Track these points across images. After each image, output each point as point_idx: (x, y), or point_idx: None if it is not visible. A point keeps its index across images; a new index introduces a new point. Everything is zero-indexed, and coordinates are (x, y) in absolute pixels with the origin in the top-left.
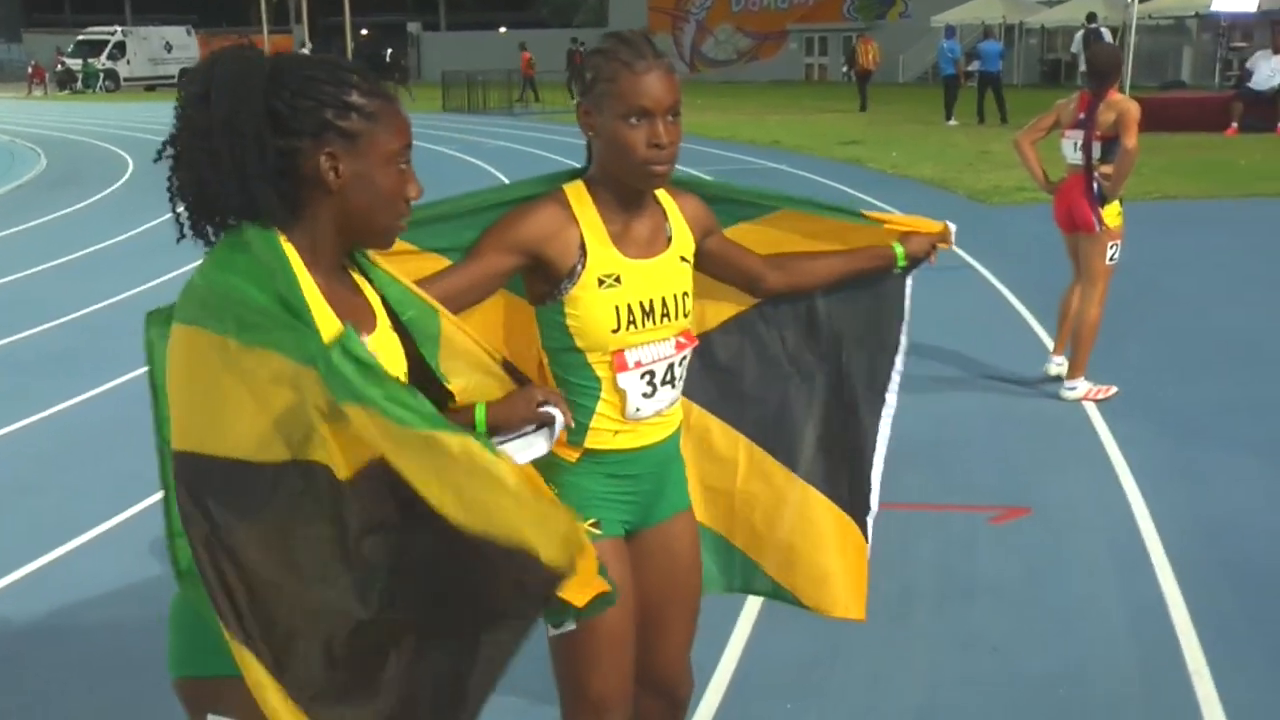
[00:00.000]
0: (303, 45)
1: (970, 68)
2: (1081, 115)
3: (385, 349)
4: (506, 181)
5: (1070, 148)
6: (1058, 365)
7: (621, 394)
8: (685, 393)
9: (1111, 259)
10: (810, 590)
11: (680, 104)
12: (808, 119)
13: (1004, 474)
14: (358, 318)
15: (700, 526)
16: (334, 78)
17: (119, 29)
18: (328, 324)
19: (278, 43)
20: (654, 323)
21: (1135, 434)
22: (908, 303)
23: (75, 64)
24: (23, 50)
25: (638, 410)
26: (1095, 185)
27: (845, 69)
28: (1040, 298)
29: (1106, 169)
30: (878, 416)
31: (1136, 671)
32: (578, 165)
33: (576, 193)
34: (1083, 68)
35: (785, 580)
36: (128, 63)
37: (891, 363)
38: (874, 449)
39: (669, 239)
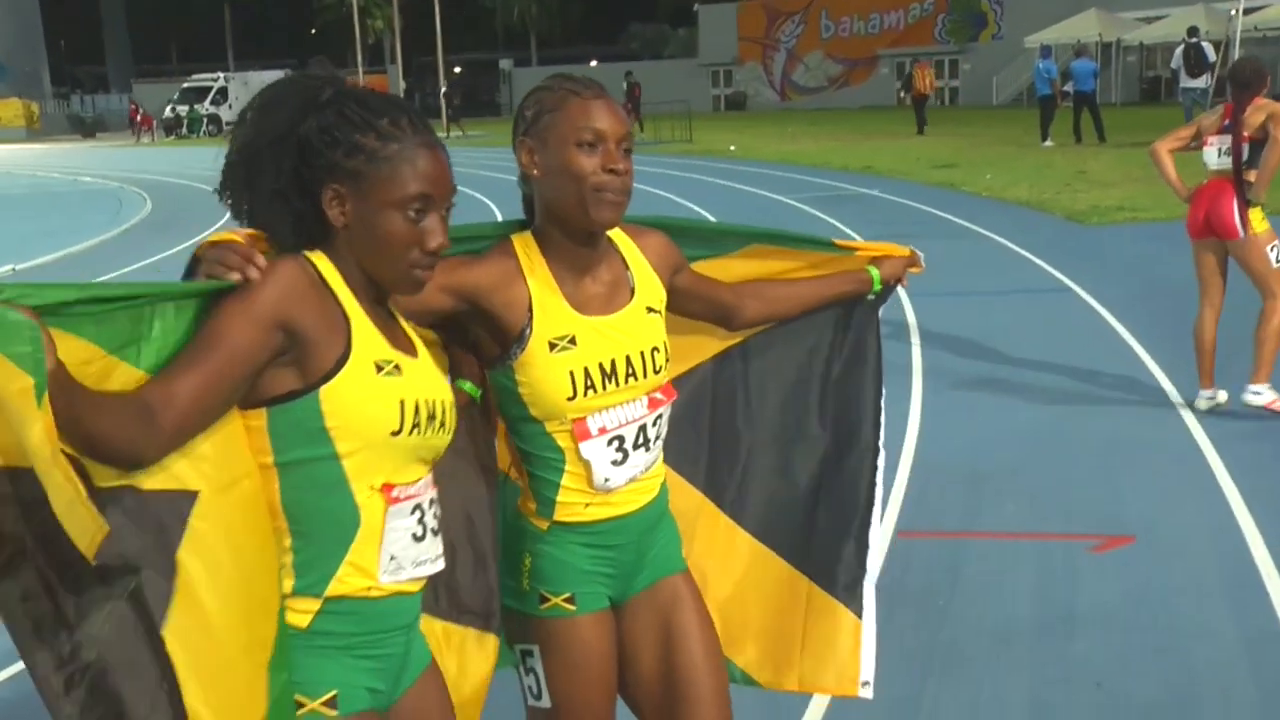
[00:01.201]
0: (400, 85)
1: (1065, 88)
2: (1227, 122)
3: (429, 377)
4: None
5: (1214, 154)
6: (1208, 399)
7: (586, 464)
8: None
9: (1277, 260)
10: (762, 663)
11: (632, 142)
12: (900, 143)
13: (1106, 501)
14: (401, 343)
15: None
16: (361, 118)
17: (221, 75)
18: (367, 333)
19: (372, 82)
20: (618, 385)
21: (1247, 458)
22: (880, 341)
23: (178, 110)
24: (131, 100)
25: (607, 481)
26: (1241, 189)
27: (901, 93)
28: (1141, 318)
29: (1250, 174)
30: (867, 468)
31: (1252, 702)
32: (669, 195)
33: (524, 244)
34: (1184, 83)
35: (737, 656)
36: (229, 107)
37: (877, 410)
38: (863, 504)
39: (632, 290)
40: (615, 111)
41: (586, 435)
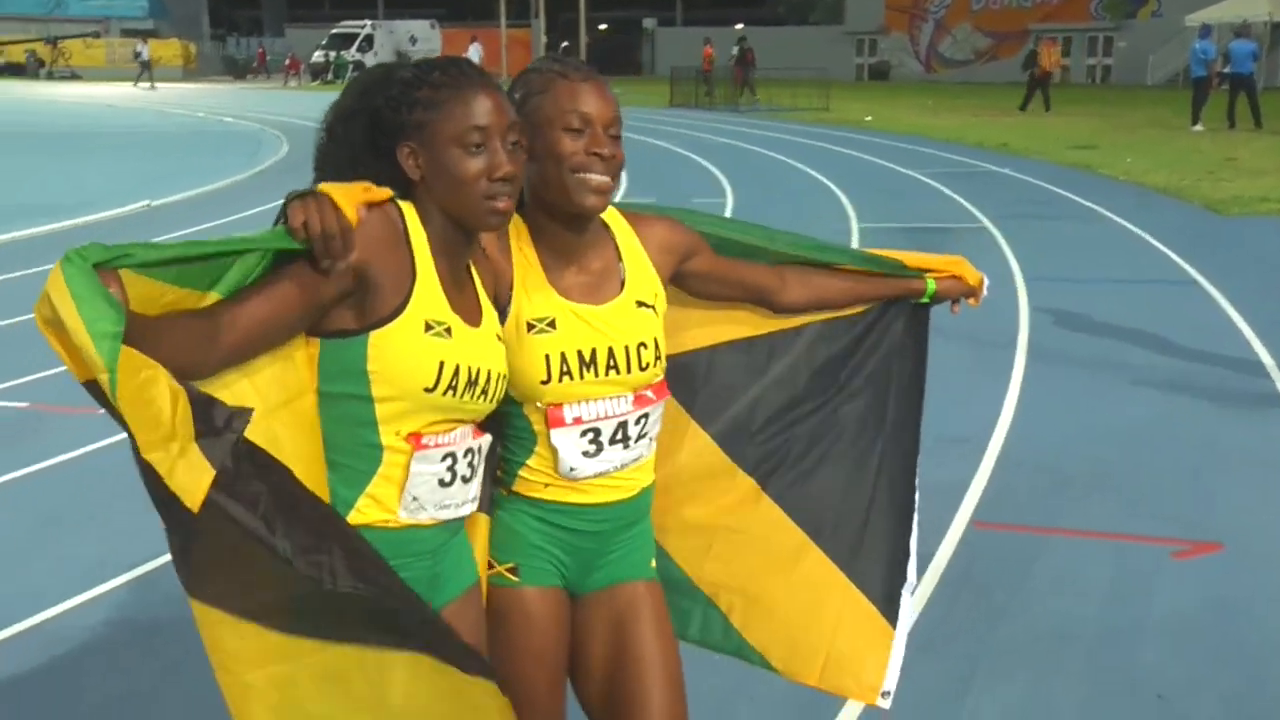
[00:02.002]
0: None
1: (1224, 69)
2: None
3: (483, 346)
4: (726, 182)
5: None
6: None
7: (554, 451)
8: (686, 407)
9: None
10: (782, 653)
11: (621, 125)
12: (1042, 121)
13: (1198, 506)
14: (466, 308)
15: (664, 554)
16: (417, 77)
17: (369, 23)
18: (429, 291)
19: (516, 37)
20: (597, 375)
21: None
22: (927, 345)
23: (325, 56)
24: (285, 45)
25: (573, 470)
26: None
27: (1024, 69)
28: (1268, 318)
29: None
30: (908, 474)
31: None
32: (799, 164)
33: (515, 227)
34: None
35: (754, 637)
36: (375, 54)
37: (918, 407)
38: (906, 511)
39: (622, 282)
40: (604, 95)
41: (560, 423)
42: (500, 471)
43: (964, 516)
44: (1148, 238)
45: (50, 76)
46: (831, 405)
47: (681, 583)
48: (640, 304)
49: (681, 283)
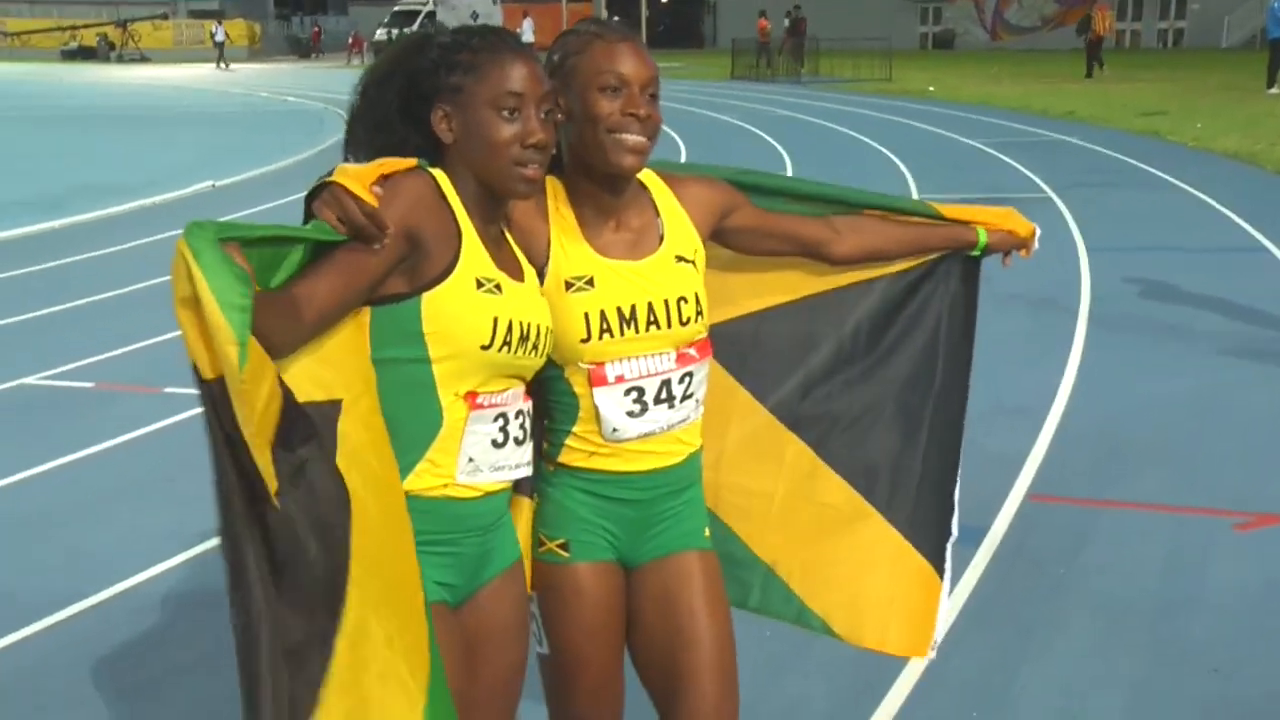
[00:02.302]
0: (598, 14)
1: None
2: None
3: (530, 301)
4: (785, 155)
5: None
6: None
7: (598, 412)
8: (736, 375)
9: None
10: (844, 616)
11: (658, 85)
12: (1109, 88)
13: (1260, 478)
14: (508, 265)
15: (721, 524)
16: (456, 42)
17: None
18: (475, 249)
19: (577, 11)
20: (637, 331)
21: None
22: (977, 299)
23: (388, 33)
24: (349, 23)
25: (615, 431)
26: None
27: (1079, 34)
28: None
29: None
30: (956, 428)
31: None
32: (859, 136)
33: (553, 186)
34: None
35: (815, 602)
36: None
37: (968, 362)
38: (953, 465)
39: (661, 237)
40: (641, 56)
41: (602, 381)
42: (546, 444)
43: (1020, 489)
44: (1215, 204)
45: (120, 59)
46: (882, 365)
47: (742, 555)
48: (680, 259)
49: (726, 239)
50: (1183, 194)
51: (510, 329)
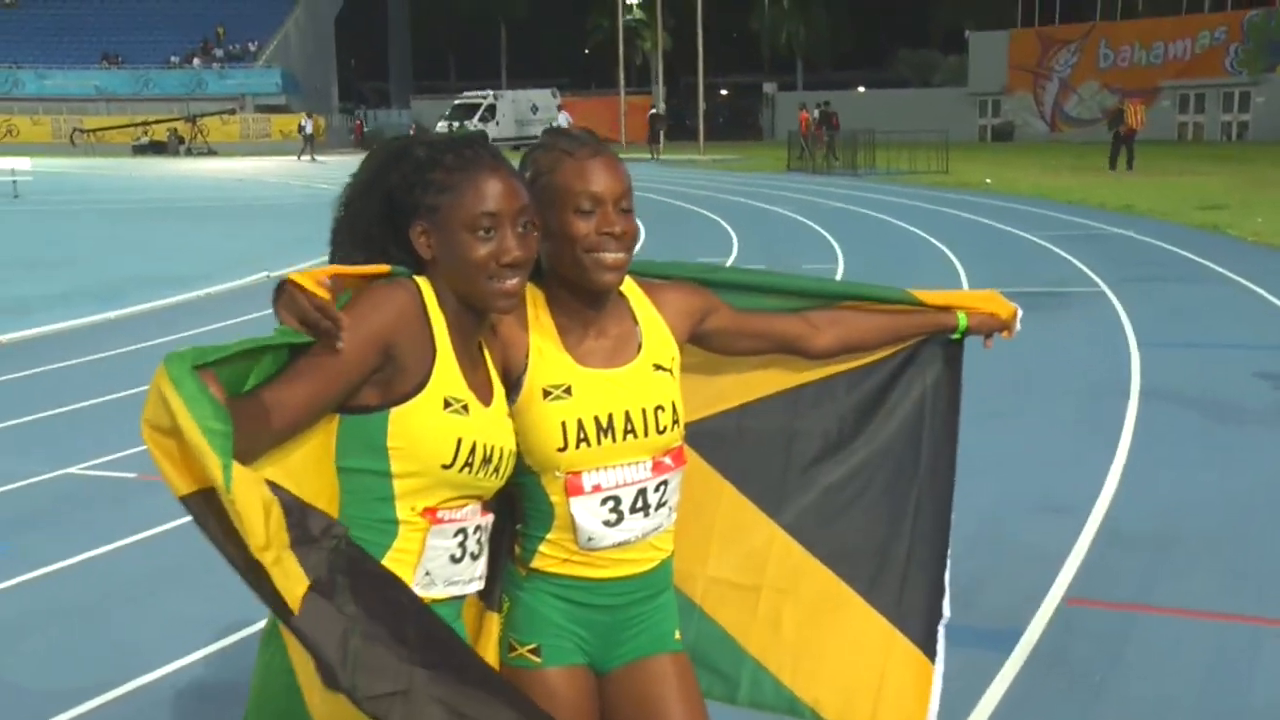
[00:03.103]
0: (655, 106)
1: None
2: None
3: (495, 424)
4: (837, 246)
5: None
6: None
7: (574, 520)
8: (721, 470)
9: None
10: (834, 704)
11: (632, 197)
12: (1169, 181)
13: None
14: (479, 385)
15: (710, 622)
16: (431, 158)
17: (491, 93)
18: (448, 368)
19: (635, 103)
20: (614, 440)
21: None
22: (961, 379)
23: (448, 126)
24: (411, 115)
25: (591, 540)
26: None
27: (1109, 128)
28: None
29: None
30: (944, 510)
31: None
32: (912, 228)
33: (532, 296)
34: None
35: (805, 692)
36: (496, 124)
37: (954, 442)
38: (942, 547)
39: (639, 346)
40: (612, 170)
41: (578, 490)
42: (518, 548)
43: (1058, 591)
44: (1273, 299)
45: (189, 153)
46: (866, 452)
47: (730, 649)
48: (657, 367)
49: (704, 342)
50: (1239, 288)
51: (474, 451)
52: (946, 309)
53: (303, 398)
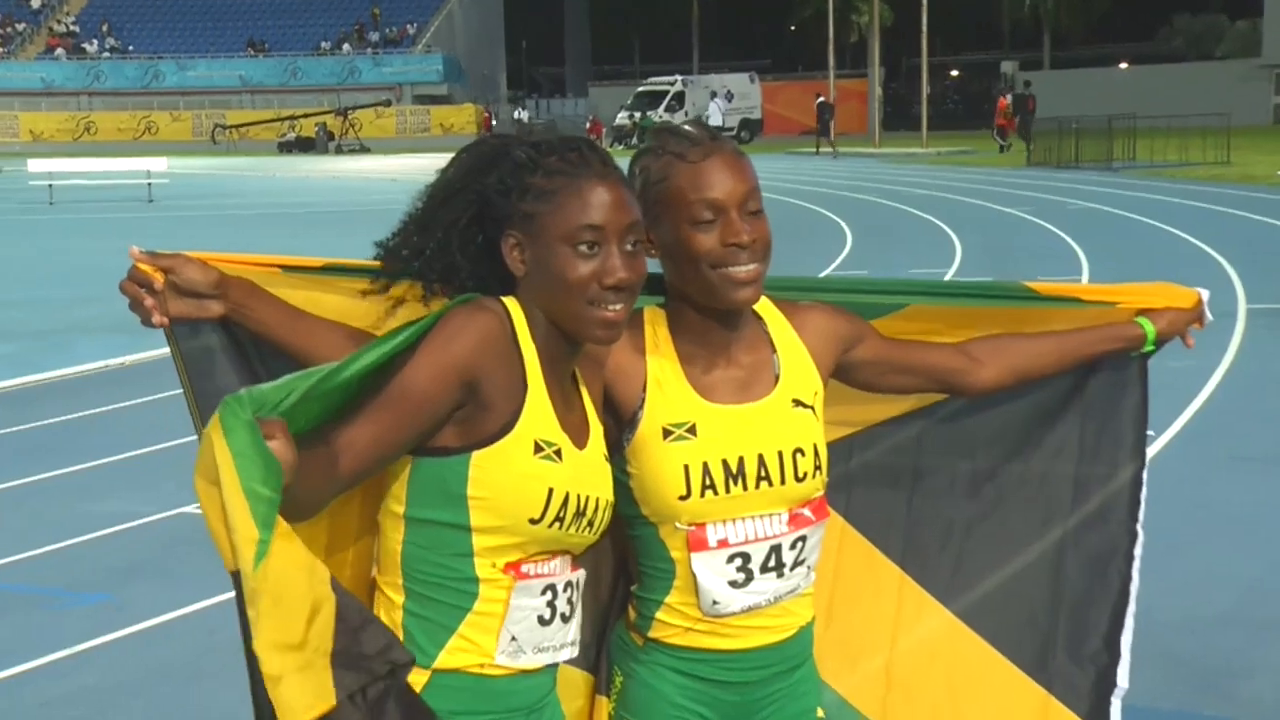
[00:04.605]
0: (822, 95)
1: None
2: None
3: (592, 470)
4: (1081, 253)
5: None
6: None
7: (696, 580)
8: (846, 516)
9: None
10: None
11: (760, 196)
12: None
13: None
14: (574, 426)
15: (833, 694)
16: (530, 159)
17: (679, 78)
18: (539, 406)
19: (847, 88)
20: (745, 488)
21: None
22: (1147, 396)
23: (630, 117)
24: (588, 105)
25: (716, 604)
26: None
27: None
28: None
29: None
30: (1124, 558)
31: None
32: (1178, 231)
33: (653, 317)
34: None
35: None
36: (685, 113)
37: (1138, 480)
38: (1121, 605)
39: (776, 377)
40: (733, 168)
41: (702, 546)
42: (633, 613)
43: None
44: None
45: (339, 150)
46: (1013, 485)
47: None
48: (797, 403)
49: (849, 374)
50: None
51: (565, 503)
52: (1114, 308)
53: (371, 438)
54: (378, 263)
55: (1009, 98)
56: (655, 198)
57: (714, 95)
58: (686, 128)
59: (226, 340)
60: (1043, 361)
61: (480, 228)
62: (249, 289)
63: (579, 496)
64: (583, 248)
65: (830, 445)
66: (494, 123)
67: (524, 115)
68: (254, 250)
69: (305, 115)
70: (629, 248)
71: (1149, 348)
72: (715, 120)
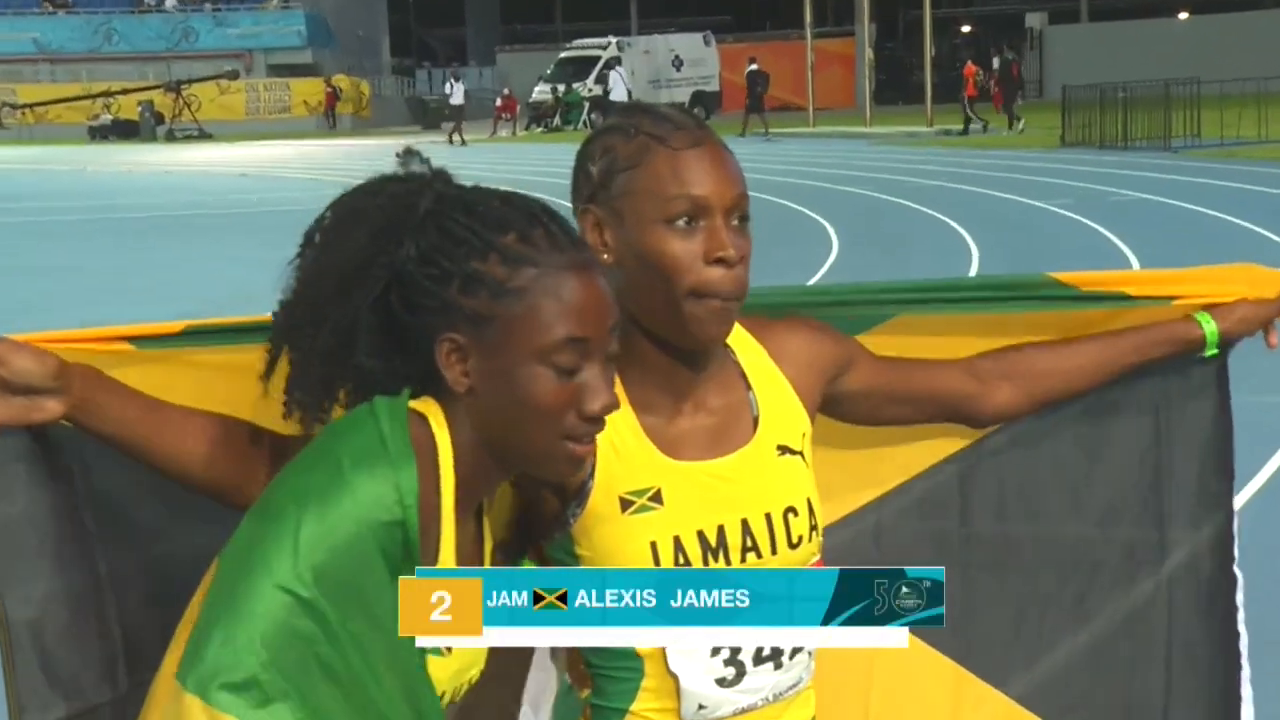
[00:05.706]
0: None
1: None
2: None
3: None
4: (1134, 258)
5: None
6: None
7: (675, 681)
8: None
9: None
10: None
11: (748, 202)
12: None
13: None
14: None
15: None
16: (477, 235)
17: (613, 41)
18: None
19: (827, 50)
20: (730, 562)
21: None
22: (1230, 415)
23: (551, 91)
24: (495, 76)
25: (702, 709)
26: None
27: None
28: None
29: None
30: (1220, 614)
31: None
32: (1248, 224)
33: None
34: None
35: None
36: (587, 87)
37: (1228, 516)
38: (1226, 674)
39: (755, 420)
40: (725, 165)
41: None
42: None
43: None
44: None
45: (171, 137)
46: (1066, 543)
47: None
48: (783, 450)
49: (839, 408)
50: None
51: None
52: (1169, 304)
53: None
54: (252, 318)
55: (994, 65)
56: (621, 187)
57: (615, 65)
58: (667, 111)
59: (37, 449)
60: (1072, 378)
61: (386, 308)
62: (95, 378)
63: (456, 690)
64: (561, 365)
65: (848, 519)
66: (337, 100)
67: (458, 89)
68: (62, 271)
69: (124, 91)
70: (609, 359)
71: (1211, 351)
72: (618, 94)
